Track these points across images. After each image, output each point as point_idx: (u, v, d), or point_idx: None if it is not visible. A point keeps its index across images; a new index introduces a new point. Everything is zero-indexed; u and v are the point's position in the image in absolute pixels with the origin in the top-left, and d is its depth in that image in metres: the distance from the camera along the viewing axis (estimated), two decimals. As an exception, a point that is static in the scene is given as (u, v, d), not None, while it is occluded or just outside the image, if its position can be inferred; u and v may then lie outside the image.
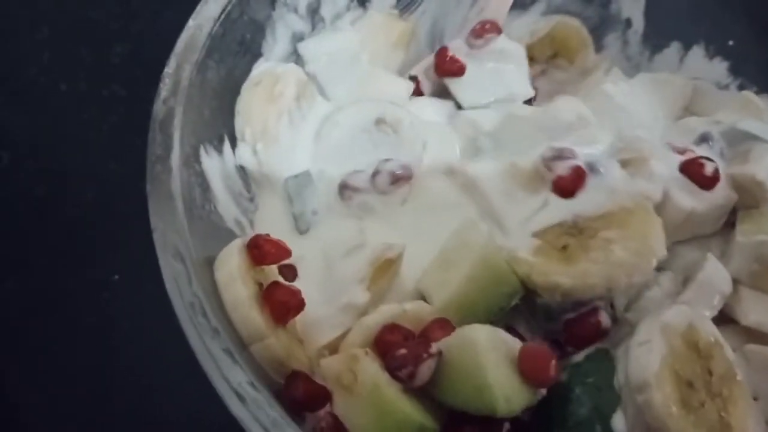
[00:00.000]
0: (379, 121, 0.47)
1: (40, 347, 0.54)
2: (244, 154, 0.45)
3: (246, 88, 0.46)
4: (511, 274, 0.38)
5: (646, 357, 0.35)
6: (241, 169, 0.46)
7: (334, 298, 0.39)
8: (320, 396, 0.35)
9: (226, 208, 0.43)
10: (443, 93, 0.54)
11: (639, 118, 0.49)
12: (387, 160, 0.45)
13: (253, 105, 0.45)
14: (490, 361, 0.33)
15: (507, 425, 0.35)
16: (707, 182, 0.42)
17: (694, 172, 0.43)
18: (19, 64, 0.65)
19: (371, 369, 0.34)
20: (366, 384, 0.34)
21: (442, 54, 0.53)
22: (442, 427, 0.35)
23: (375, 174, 0.44)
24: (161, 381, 0.52)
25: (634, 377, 0.35)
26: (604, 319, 0.38)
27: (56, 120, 0.63)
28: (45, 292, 0.56)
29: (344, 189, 0.45)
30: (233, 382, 0.32)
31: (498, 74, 0.52)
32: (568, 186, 0.40)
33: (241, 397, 0.32)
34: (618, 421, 0.36)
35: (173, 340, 0.49)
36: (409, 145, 0.46)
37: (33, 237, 0.58)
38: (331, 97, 0.50)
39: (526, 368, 0.34)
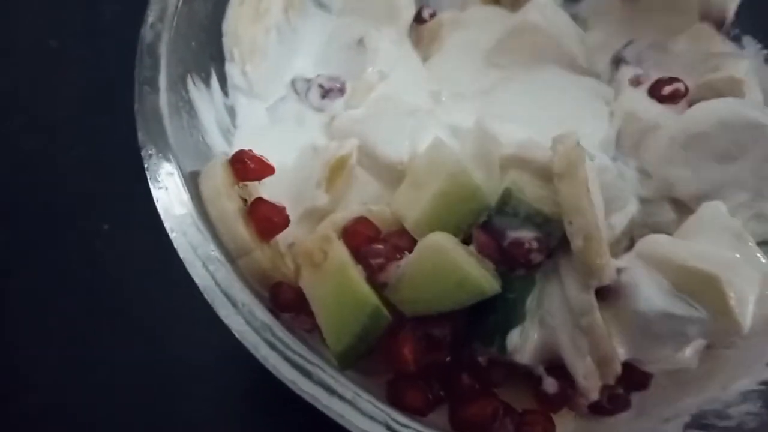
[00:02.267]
0: (360, 43, 0.48)
1: (34, 297, 0.54)
2: (233, 74, 0.46)
3: (232, 7, 0.46)
4: (479, 190, 0.38)
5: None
6: (232, 110, 0.47)
7: (297, 207, 0.41)
8: (303, 300, 0.37)
9: (214, 140, 0.44)
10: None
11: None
12: (309, 80, 0.47)
13: (239, 24, 0.46)
14: (462, 257, 0.36)
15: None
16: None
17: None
18: (9, 20, 0.65)
19: (341, 250, 0.36)
20: (334, 262, 0.36)
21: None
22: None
23: (307, 90, 0.47)
24: (153, 325, 0.53)
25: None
26: (536, 257, 0.38)
27: (45, 75, 0.63)
28: (36, 243, 0.56)
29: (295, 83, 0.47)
30: (223, 285, 0.32)
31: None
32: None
33: (232, 302, 0.32)
34: (513, 336, 0.38)
35: (164, 286, 0.50)
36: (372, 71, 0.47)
37: (23, 190, 0.58)
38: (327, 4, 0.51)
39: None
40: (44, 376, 0.51)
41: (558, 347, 0.39)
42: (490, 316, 0.38)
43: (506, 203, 0.38)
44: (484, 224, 0.38)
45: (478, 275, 0.36)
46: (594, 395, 0.39)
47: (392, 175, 0.43)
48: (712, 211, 0.41)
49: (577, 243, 0.36)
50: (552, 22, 0.49)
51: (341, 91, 0.48)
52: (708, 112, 0.43)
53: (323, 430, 0.47)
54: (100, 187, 0.58)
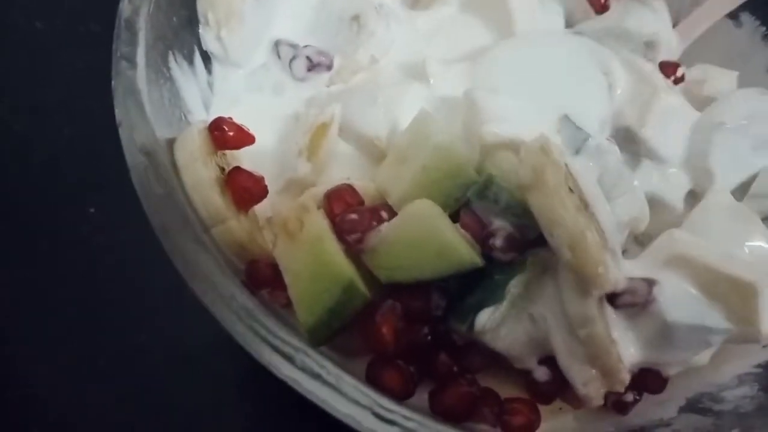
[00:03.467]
0: (355, 19, 0.46)
1: (19, 281, 0.53)
2: (208, 39, 0.44)
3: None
4: (466, 165, 0.37)
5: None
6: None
7: (278, 179, 0.40)
8: (279, 276, 0.36)
9: (198, 118, 0.42)
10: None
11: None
12: (306, 45, 0.46)
13: None
14: (446, 225, 0.35)
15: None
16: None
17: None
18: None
19: (319, 221, 0.35)
20: (310, 233, 0.35)
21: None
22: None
23: (293, 58, 0.45)
24: (141, 310, 0.52)
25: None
26: (499, 255, 0.36)
27: (32, 58, 0.62)
28: (22, 226, 0.56)
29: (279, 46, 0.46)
30: (202, 266, 0.32)
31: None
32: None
33: (211, 284, 0.32)
34: (483, 315, 0.36)
35: (151, 268, 0.49)
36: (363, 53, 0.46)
37: (9, 173, 0.58)
38: None
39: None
40: (32, 364, 0.51)
41: (551, 348, 0.37)
42: (472, 295, 0.37)
43: (487, 188, 0.37)
44: (469, 207, 0.37)
45: (460, 245, 0.35)
46: (596, 403, 0.37)
47: (373, 150, 0.42)
48: (720, 198, 0.40)
49: (564, 256, 0.33)
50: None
51: (328, 67, 0.46)
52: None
53: (318, 418, 0.46)
54: (87, 170, 0.57)
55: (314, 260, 0.35)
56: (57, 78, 0.61)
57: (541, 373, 0.37)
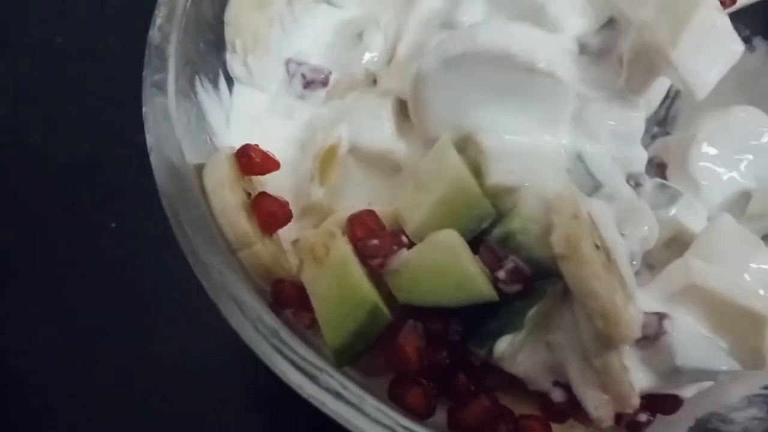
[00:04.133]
0: (359, 35, 0.47)
1: (39, 295, 0.55)
2: (234, 66, 0.45)
3: (234, -2, 0.45)
4: (482, 198, 0.38)
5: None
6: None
7: (296, 204, 0.41)
8: (304, 296, 0.37)
9: (222, 141, 0.44)
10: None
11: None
12: (301, 63, 0.46)
13: (241, 14, 0.45)
14: (468, 257, 0.36)
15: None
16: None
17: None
18: (15, 16, 0.65)
19: (343, 247, 0.36)
20: (336, 259, 0.36)
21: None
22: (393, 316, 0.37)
23: (293, 77, 0.46)
24: (157, 323, 0.53)
25: None
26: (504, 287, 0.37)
27: (52, 72, 0.64)
28: (42, 240, 0.57)
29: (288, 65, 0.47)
30: (230, 288, 0.33)
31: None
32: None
33: (240, 307, 0.33)
34: (502, 343, 0.37)
35: (169, 286, 0.50)
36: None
37: (30, 186, 0.59)
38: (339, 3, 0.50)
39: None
40: (47, 374, 0.52)
41: (565, 374, 0.38)
42: (492, 320, 0.38)
43: (509, 239, 0.38)
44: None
45: (480, 279, 0.36)
46: (607, 424, 0.37)
47: (386, 163, 0.43)
48: (726, 222, 0.41)
49: (597, 324, 0.34)
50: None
51: (323, 83, 0.47)
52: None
53: (324, 429, 0.47)
54: (107, 185, 0.58)
55: (340, 284, 0.36)
56: (76, 92, 0.62)
57: (557, 395, 0.38)
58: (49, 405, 0.51)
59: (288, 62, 0.47)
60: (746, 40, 0.54)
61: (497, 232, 0.38)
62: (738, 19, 0.53)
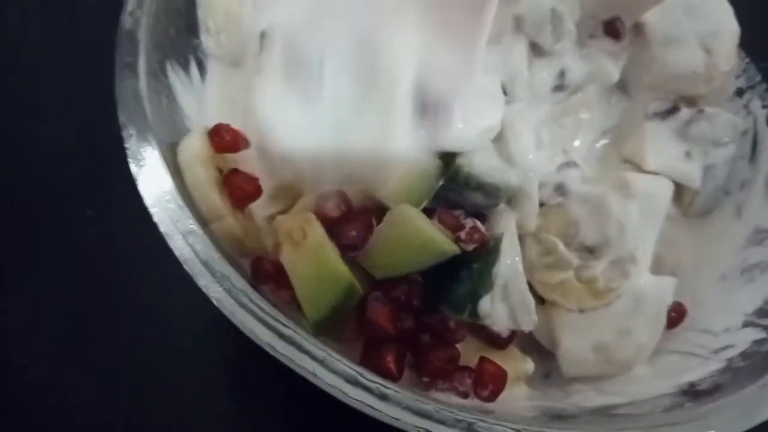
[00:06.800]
0: None
1: (18, 282, 0.55)
2: (209, 45, 0.47)
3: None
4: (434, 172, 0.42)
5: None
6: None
7: (269, 181, 0.43)
8: (282, 274, 0.39)
9: (193, 123, 0.45)
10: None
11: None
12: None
13: None
14: (425, 224, 0.40)
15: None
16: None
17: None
18: (-2, 10, 0.66)
19: (319, 231, 0.39)
20: (313, 243, 0.39)
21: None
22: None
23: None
24: (139, 305, 0.54)
25: None
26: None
27: (32, 64, 0.64)
28: (19, 229, 0.57)
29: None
30: (202, 256, 0.35)
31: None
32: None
33: (210, 271, 0.35)
34: (485, 304, 0.41)
35: (149, 268, 0.52)
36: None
37: (6, 175, 0.59)
38: None
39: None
40: (31, 359, 0.53)
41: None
42: (460, 288, 0.42)
43: (457, 174, 0.42)
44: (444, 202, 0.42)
45: (440, 238, 0.40)
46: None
47: None
48: None
49: None
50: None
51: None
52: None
53: (305, 402, 0.49)
54: (84, 173, 0.59)
55: (318, 265, 0.39)
56: (56, 84, 0.62)
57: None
58: (37, 386, 0.51)
59: (262, 35, 0.47)
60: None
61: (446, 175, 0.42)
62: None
